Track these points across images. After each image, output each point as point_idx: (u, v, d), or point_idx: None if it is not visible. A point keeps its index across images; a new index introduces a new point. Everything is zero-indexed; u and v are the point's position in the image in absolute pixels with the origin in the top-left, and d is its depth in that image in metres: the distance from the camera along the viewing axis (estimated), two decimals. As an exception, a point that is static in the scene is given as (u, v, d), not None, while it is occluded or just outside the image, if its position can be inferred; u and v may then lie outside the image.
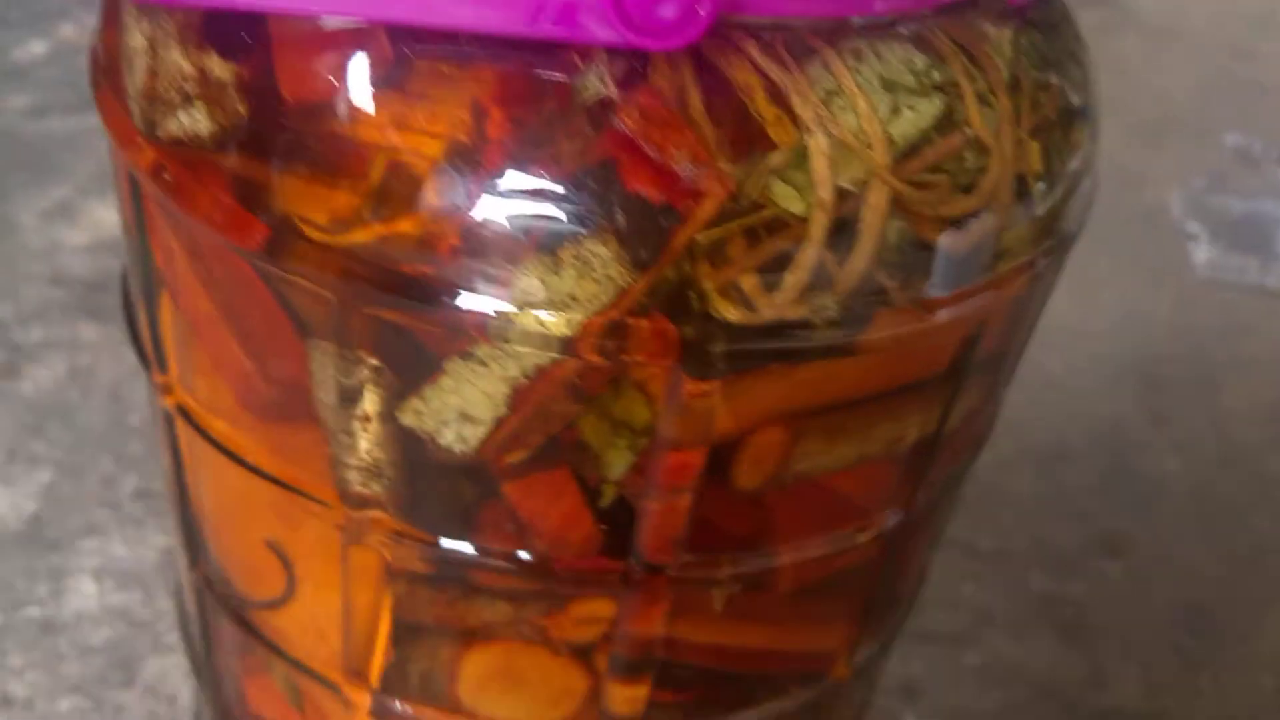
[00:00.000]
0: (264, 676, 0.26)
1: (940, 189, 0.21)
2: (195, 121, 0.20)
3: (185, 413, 0.23)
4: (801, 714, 0.28)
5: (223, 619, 0.26)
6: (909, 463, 0.24)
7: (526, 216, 0.19)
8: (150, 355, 0.23)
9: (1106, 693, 0.44)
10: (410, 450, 0.21)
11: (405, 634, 0.24)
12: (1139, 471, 0.53)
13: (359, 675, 0.24)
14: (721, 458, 0.22)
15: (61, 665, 0.34)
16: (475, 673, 0.24)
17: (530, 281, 0.19)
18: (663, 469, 0.21)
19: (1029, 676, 0.45)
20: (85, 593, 0.35)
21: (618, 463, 0.21)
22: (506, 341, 0.19)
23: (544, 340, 0.19)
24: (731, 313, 0.20)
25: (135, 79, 0.20)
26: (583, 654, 0.24)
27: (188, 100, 0.20)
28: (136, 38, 0.20)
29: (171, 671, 0.34)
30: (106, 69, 0.21)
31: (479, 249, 0.19)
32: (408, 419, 0.21)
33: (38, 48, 0.55)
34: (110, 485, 0.39)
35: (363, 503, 0.22)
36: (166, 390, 0.23)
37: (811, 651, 0.26)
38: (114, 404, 0.41)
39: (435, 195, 0.19)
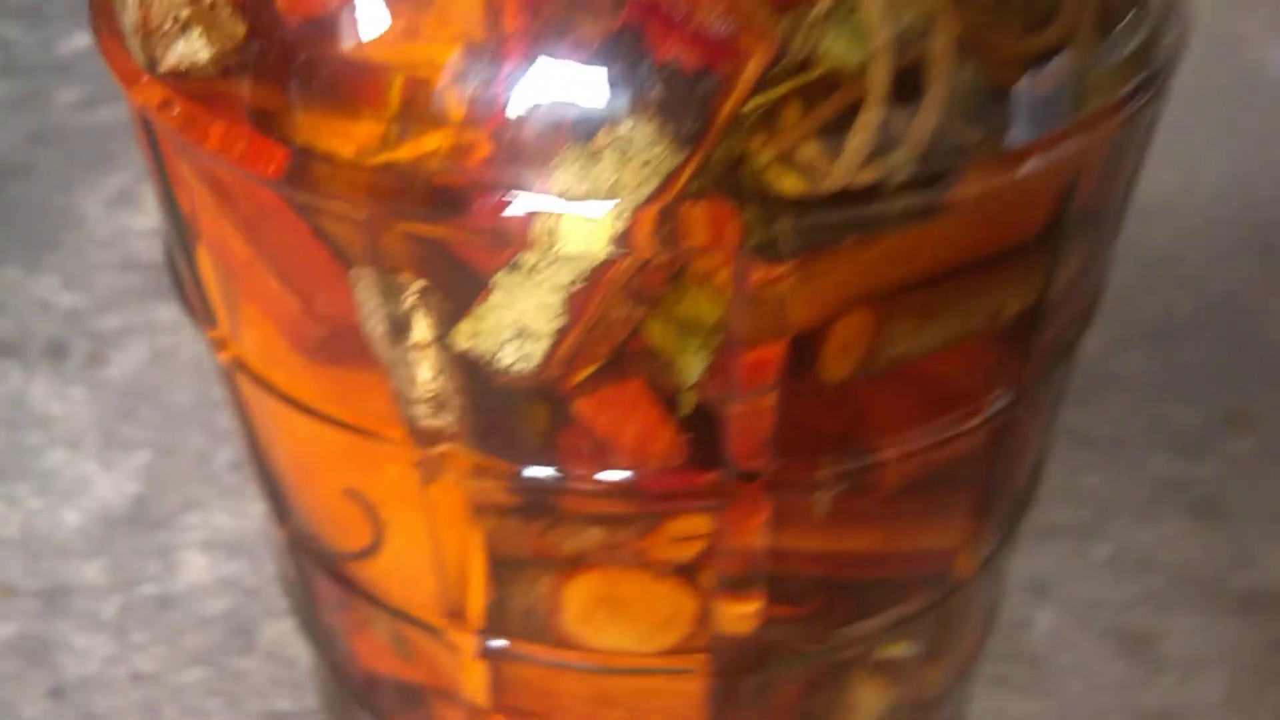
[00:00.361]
0: (368, 629, 0.25)
1: (1013, 24, 0.18)
2: (194, 48, 0.18)
3: (242, 366, 0.21)
4: (928, 618, 0.25)
5: (319, 575, 0.25)
6: (1012, 338, 0.21)
7: (556, 107, 0.17)
8: (199, 311, 0.22)
9: (1251, 572, 0.41)
10: (473, 376, 0.19)
11: (500, 570, 0.22)
12: (1261, 341, 0.48)
13: (460, 618, 0.23)
14: (804, 349, 0.19)
15: (182, 638, 0.33)
16: (577, 603, 0.22)
17: (568, 175, 0.17)
18: (741, 368, 0.19)
19: (1164, 563, 0.41)
20: (196, 566, 0.35)
21: (692, 366, 0.19)
22: (553, 245, 0.17)
23: (591, 238, 0.17)
24: (793, 185, 0.17)
25: (129, 13, 0.18)
26: (687, 574, 0.22)
27: (183, 26, 0.18)
28: (129, -29, 0.18)
29: (288, 635, 0.33)
30: (102, 8, 0.19)
31: (513, 151, 0.17)
32: (463, 342, 0.19)
33: (81, 40, 0.54)
34: (205, 460, 0.38)
35: (434, 437, 0.20)
36: (221, 345, 0.22)
37: (929, 551, 0.24)
38: (199, 381, 0.40)
39: (459, 104, 0.17)
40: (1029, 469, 0.26)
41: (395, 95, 0.17)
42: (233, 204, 0.19)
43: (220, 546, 0.36)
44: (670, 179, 0.17)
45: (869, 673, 0.25)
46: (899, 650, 0.26)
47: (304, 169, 0.17)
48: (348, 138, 0.18)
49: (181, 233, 0.21)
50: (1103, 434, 0.45)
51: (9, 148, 0.49)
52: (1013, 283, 0.20)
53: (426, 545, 0.22)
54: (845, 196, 0.17)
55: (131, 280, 0.44)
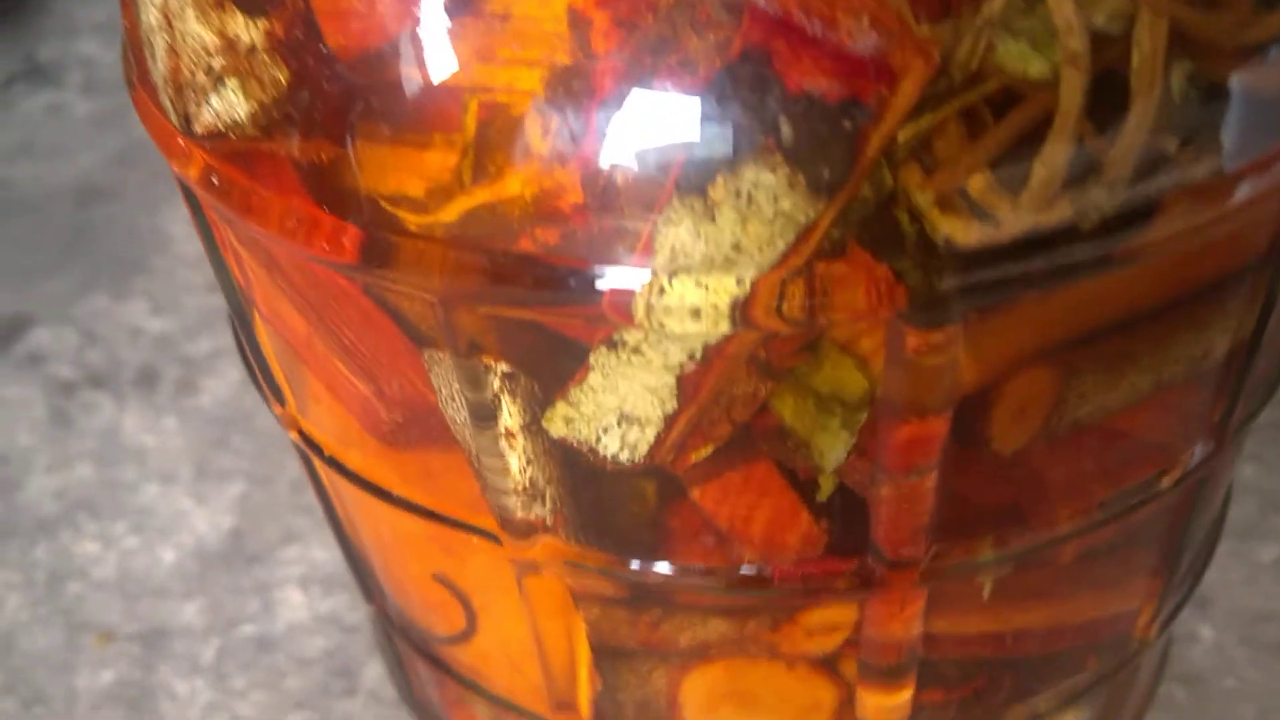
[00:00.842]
0: (468, 710, 0.22)
1: (1237, 5, 0.14)
2: (231, 104, 0.14)
3: (314, 445, 0.19)
4: (1103, 683, 0.21)
5: (412, 654, 0.22)
6: (1218, 382, 0.17)
7: (661, 149, 0.13)
8: (264, 385, 0.19)
9: None
10: (570, 464, 0.16)
11: (609, 661, 0.19)
12: None
13: (568, 708, 0.20)
14: (970, 418, 0.15)
15: (283, 681, 0.31)
16: (699, 698, 0.19)
17: (679, 236, 0.13)
18: (893, 447, 0.15)
19: (1340, 562, 0.36)
20: (294, 603, 0.33)
21: (833, 448, 0.15)
22: (662, 322, 0.14)
23: (710, 313, 0.14)
24: (963, 232, 0.13)
25: (159, 66, 0.15)
26: (826, 663, 0.18)
27: (216, 80, 0.14)
28: (151, 12, 0.15)
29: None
30: (136, 63, 0.16)
31: (608, 202, 0.13)
32: (558, 429, 0.15)
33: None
34: (300, 489, 0.36)
35: (528, 530, 0.17)
36: (291, 424, 0.19)
37: (1107, 618, 0.20)
38: (289, 406, 0.38)
39: (542, 140, 0.14)
40: (1219, 510, 0.22)
41: (470, 121, 0.14)
42: (287, 278, 0.16)
43: (318, 581, 0.34)
44: (805, 234, 0.13)
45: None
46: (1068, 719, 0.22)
47: (379, 250, 0.14)
48: (417, 173, 0.14)
49: (236, 302, 0.18)
50: (1261, 419, 0.40)
51: (94, 169, 0.47)
52: (1224, 319, 0.16)
53: (525, 634, 0.19)
54: (1030, 243, 0.13)
55: (219, 302, 0.42)
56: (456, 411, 0.16)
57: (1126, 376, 0.16)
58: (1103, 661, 0.21)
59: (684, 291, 0.13)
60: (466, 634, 0.20)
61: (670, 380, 0.14)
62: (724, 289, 0.13)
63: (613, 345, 0.14)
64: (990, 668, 0.19)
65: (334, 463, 0.18)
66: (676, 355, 0.14)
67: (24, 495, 0.36)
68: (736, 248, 0.13)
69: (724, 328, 0.14)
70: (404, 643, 0.22)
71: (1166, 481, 0.18)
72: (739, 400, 0.15)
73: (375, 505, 0.18)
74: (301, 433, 0.19)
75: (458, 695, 0.22)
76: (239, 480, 0.36)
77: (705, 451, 0.16)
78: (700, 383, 0.15)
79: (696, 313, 0.13)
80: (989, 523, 0.17)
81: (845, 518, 0.16)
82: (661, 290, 0.13)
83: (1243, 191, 0.14)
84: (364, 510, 0.19)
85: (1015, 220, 0.13)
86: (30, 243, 0.44)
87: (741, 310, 0.13)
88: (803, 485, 0.16)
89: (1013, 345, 0.15)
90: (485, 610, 0.19)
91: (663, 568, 0.17)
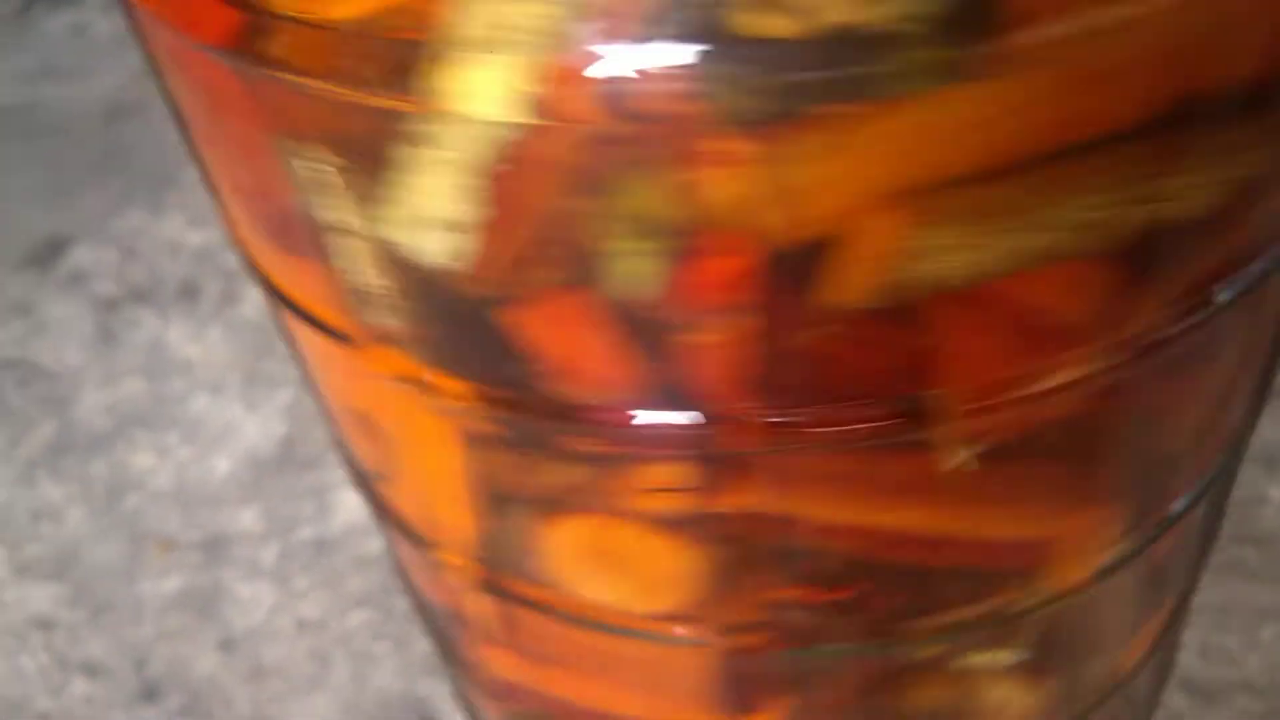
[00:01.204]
0: (402, 546, 0.22)
1: None
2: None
3: (245, 254, 0.19)
4: (1024, 621, 0.19)
5: (362, 487, 0.22)
6: (1142, 261, 0.15)
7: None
8: (216, 203, 0.19)
9: None
10: (410, 273, 0.15)
11: (489, 502, 0.18)
12: None
13: (461, 547, 0.19)
14: (799, 261, 0.14)
15: (344, 581, 0.31)
16: (564, 549, 0.18)
17: (462, 15, 0.13)
18: (705, 282, 0.14)
19: None
20: (350, 505, 0.32)
21: (646, 278, 0.14)
22: (444, 110, 0.13)
23: (489, 99, 0.13)
24: (769, 23, 0.12)
25: None
26: (686, 532, 0.17)
27: None
28: None
29: (452, 571, 0.31)
30: None
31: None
32: (383, 230, 0.15)
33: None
34: (350, 395, 0.36)
35: (380, 339, 0.16)
36: (240, 246, 0.19)
37: (1005, 540, 0.18)
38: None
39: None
40: (1195, 449, 0.19)
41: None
42: (185, 70, 0.16)
43: (373, 484, 0.34)
44: (603, 21, 0.12)
45: (992, 678, 0.20)
46: (996, 659, 0.20)
47: (255, 36, 0.14)
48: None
49: (174, 109, 0.18)
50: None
51: (118, 87, 0.47)
52: (1124, 186, 0.14)
53: (425, 469, 0.19)
54: (848, 40, 0.12)
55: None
56: (307, 209, 0.15)
57: (999, 235, 0.14)
58: (1010, 595, 0.18)
59: (467, 75, 0.13)
60: (386, 470, 0.19)
61: (480, 182, 0.14)
62: (508, 73, 0.12)
63: (413, 138, 0.14)
64: (871, 573, 0.18)
65: (259, 274, 0.18)
66: (479, 152, 0.13)
67: (77, 411, 0.37)
68: (528, 28, 0.12)
69: (516, 117, 0.13)
70: (357, 479, 0.22)
71: (1061, 376, 0.15)
72: (559, 218, 0.14)
73: (293, 321, 0.18)
74: (237, 239, 0.19)
75: (392, 536, 0.22)
76: (287, 387, 0.36)
77: (538, 276, 0.15)
78: (513, 189, 0.14)
79: (479, 98, 0.13)
80: (839, 391, 0.15)
81: (672, 361, 0.15)
82: (445, 74, 0.13)
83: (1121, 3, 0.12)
84: (293, 329, 0.19)
85: (828, 14, 0.12)
86: (62, 163, 0.45)
87: (530, 99, 0.13)
88: (629, 319, 0.15)
89: (846, 178, 0.13)
90: (394, 443, 0.19)
91: (509, 397, 0.16)
